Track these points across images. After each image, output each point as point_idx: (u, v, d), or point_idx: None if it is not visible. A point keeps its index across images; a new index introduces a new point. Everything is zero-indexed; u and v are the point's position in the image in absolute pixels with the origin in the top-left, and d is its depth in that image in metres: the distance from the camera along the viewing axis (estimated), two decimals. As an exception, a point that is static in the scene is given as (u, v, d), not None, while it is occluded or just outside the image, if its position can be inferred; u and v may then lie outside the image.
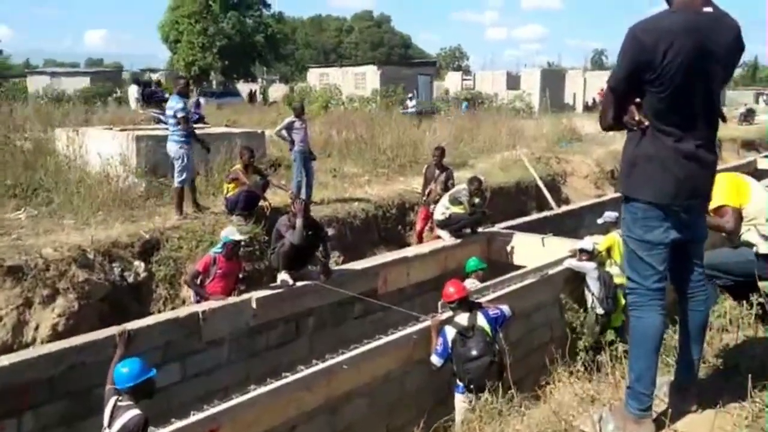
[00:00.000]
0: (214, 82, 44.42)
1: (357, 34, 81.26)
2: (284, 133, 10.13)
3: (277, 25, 43.34)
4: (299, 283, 7.51)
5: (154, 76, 49.33)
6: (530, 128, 20.33)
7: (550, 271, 8.42)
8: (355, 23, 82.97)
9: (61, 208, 8.69)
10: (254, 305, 7.02)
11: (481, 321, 6.10)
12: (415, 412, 6.52)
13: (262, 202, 8.75)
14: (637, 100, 2.75)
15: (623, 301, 7.62)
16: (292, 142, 10.03)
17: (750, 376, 2.84)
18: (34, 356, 5.50)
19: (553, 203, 13.62)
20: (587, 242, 8.65)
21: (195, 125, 10.08)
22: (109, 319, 6.89)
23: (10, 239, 7.39)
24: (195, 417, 4.86)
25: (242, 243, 7.25)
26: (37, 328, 6.68)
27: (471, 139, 17.87)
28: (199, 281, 6.95)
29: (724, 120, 2.93)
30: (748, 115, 30.00)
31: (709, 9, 2.66)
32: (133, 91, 18.71)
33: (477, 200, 10.24)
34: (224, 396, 5.51)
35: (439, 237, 10.01)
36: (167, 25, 39.59)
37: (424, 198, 10.36)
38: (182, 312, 6.62)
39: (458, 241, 9.84)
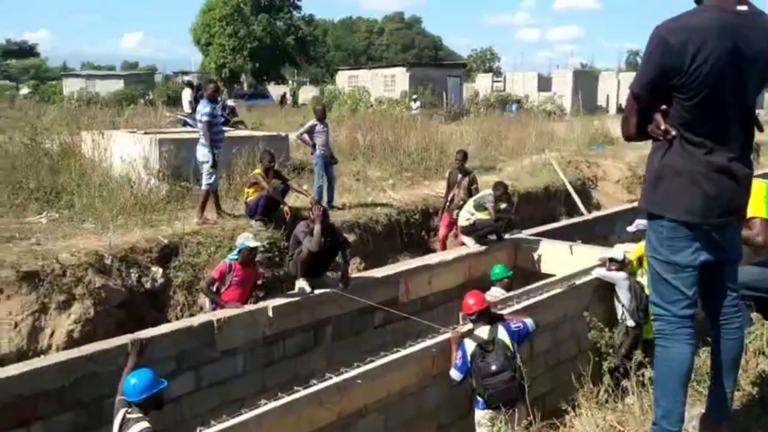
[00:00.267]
0: (245, 84, 44.76)
1: (387, 36, 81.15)
2: (306, 136, 9.99)
3: (307, 28, 43.52)
4: (317, 291, 7.34)
5: (186, 78, 50.17)
6: (561, 131, 19.91)
7: (578, 281, 8.10)
8: (386, 25, 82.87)
9: (82, 212, 8.66)
10: (271, 314, 6.87)
11: (502, 334, 5.85)
12: (433, 429, 6.32)
13: (282, 207, 8.59)
14: (663, 107, 2.49)
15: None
16: (314, 146, 9.89)
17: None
18: (43, 366, 5.40)
19: (583, 209, 13.25)
20: (617, 251, 8.32)
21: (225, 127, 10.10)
22: (126, 325, 6.82)
23: (29, 244, 7.36)
24: (202, 433, 4.70)
25: (259, 250, 7.09)
26: (52, 334, 6.62)
27: (499, 143, 17.55)
28: (214, 289, 6.82)
29: (761, 129, 2.66)
30: (789, 118, 29.10)
31: (743, 7, 2.40)
32: (187, 94, 18.78)
33: (503, 206, 9.97)
34: (240, 407, 5.37)
35: (463, 244, 9.77)
36: (199, 28, 40.01)
37: (447, 203, 10.11)
38: (196, 320, 6.49)
39: (483, 248, 9.58)
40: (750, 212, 3.61)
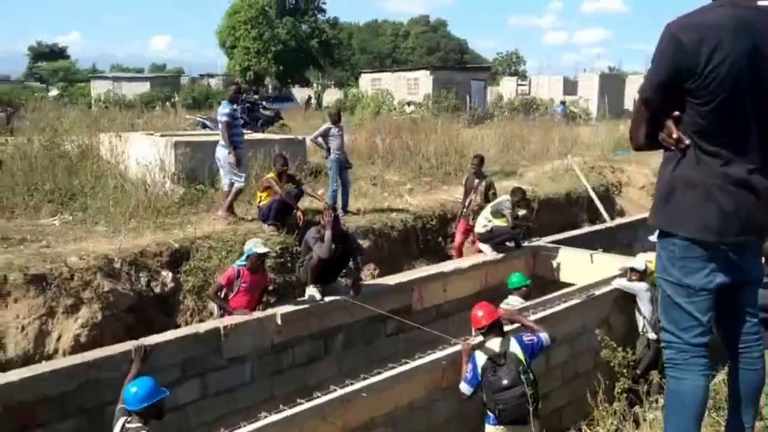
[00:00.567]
0: (270, 87, 44.90)
1: (413, 39, 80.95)
2: (320, 140, 9.86)
3: (331, 31, 43.50)
4: (328, 299, 7.20)
5: (212, 81, 50.53)
6: (585, 135, 19.54)
7: (597, 292, 7.86)
8: (411, 28, 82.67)
9: (95, 215, 8.63)
10: (279, 321, 6.74)
11: (515, 347, 5.64)
12: (442, 444, 6.13)
13: (296, 212, 8.46)
14: (676, 113, 2.27)
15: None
16: (329, 150, 9.75)
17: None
18: (45, 371, 5.32)
19: (606, 216, 12.94)
20: (639, 261, 8.05)
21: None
22: (134, 330, 6.73)
23: (39, 246, 7.33)
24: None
25: (269, 255, 6.96)
26: (59, 338, 6.56)
27: (522, 147, 17.26)
28: (222, 295, 6.71)
29: None
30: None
31: (764, 3, 2.16)
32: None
33: (522, 212, 9.74)
34: (247, 416, 5.26)
35: (480, 251, 9.56)
36: (224, 31, 40.25)
37: (464, 209, 9.90)
38: (203, 327, 6.38)
39: (500, 255, 9.36)
40: None
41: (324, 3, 43.66)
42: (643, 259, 8.04)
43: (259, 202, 8.51)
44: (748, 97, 2.17)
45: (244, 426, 4.72)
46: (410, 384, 5.66)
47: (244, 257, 6.77)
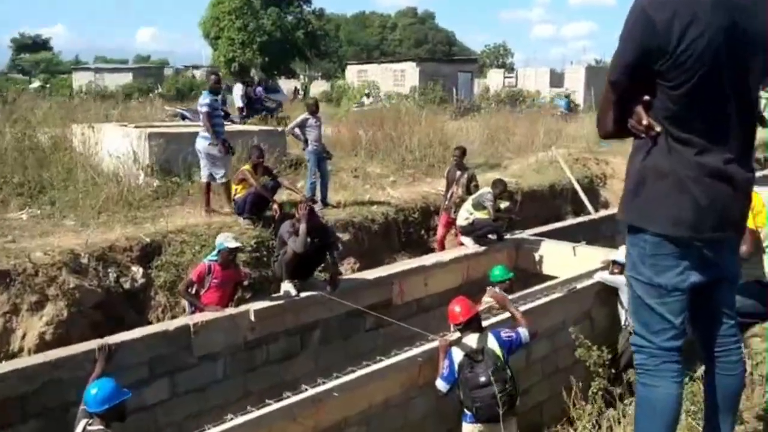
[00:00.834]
0: (255, 79, 44.43)
1: (400, 31, 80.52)
2: (297, 131, 9.63)
3: (317, 22, 43.04)
4: (304, 294, 7.01)
5: (197, 72, 49.95)
6: (571, 127, 19.40)
7: (579, 285, 7.72)
8: (399, 20, 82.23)
9: (63, 209, 8.38)
10: (253, 317, 6.54)
11: (492, 344, 5.47)
12: (419, 443, 5.97)
13: (272, 205, 8.25)
14: (646, 97, 2.07)
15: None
16: (306, 141, 9.52)
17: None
18: (5, 371, 5.11)
19: (590, 207, 12.80)
20: (621, 253, 7.89)
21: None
22: (102, 327, 6.53)
23: (4, 241, 7.08)
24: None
25: (243, 250, 6.75)
26: (24, 336, 6.34)
27: (507, 139, 17.10)
28: (193, 291, 6.51)
29: (764, 124, 2.23)
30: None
31: None
32: (238, 90, 18.59)
33: (504, 204, 9.59)
34: (219, 414, 5.08)
35: (462, 244, 9.40)
36: (208, 22, 39.68)
37: (446, 202, 9.73)
38: (172, 324, 6.18)
39: (482, 248, 9.20)
40: None
41: (310, -7, 43.19)
42: (625, 252, 7.91)
43: (235, 194, 8.29)
44: (726, 79, 1.97)
45: (211, 428, 4.53)
46: (385, 382, 5.49)
47: (215, 252, 6.56)
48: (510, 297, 7.45)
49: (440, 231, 9.88)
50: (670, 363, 2.14)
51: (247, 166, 8.25)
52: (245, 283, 7.54)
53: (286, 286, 6.91)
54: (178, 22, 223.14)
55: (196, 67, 53.42)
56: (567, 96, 31.87)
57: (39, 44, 66.19)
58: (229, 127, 12.09)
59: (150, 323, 6.98)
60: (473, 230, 9.15)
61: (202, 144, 8.73)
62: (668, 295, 2.12)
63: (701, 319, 2.23)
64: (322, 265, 7.50)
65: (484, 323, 6.50)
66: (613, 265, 7.79)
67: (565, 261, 9.28)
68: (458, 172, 9.71)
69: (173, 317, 7.20)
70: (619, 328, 7.64)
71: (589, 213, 12.47)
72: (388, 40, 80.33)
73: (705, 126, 2.03)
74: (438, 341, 5.79)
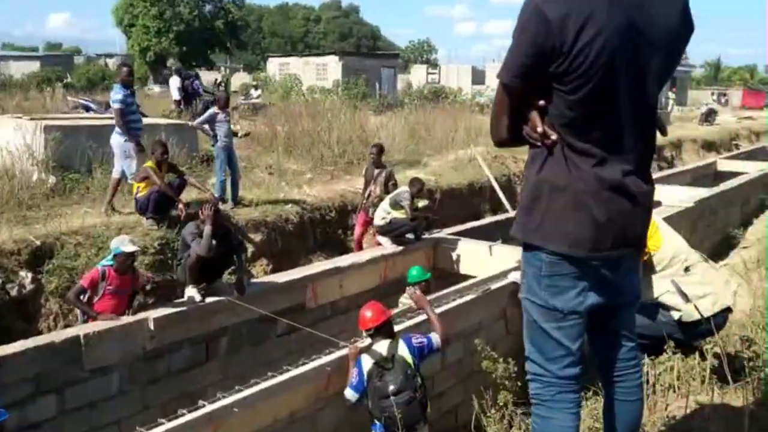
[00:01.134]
0: (172, 70, 42.87)
1: (325, 24, 79.87)
2: (206, 126, 9.17)
3: (237, 12, 41.93)
4: (209, 299, 6.63)
5: (110, 61, 47.75)
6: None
7: (494, 286, 7.66)
8: (323, 13, 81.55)
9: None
10: (152, 326, 6.12)
11: (403, 350, 5.29)
12: (330, 455, 5.73)
13: (177, 204, 7.80)
14: (541, 102, 1.90)
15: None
16: (215, 137, 9.07)
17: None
18: None
19: (508, 206, 12.89)
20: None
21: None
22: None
23: None
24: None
25: (136, 255, 6.30)
26: None
27: (427, 135, 17.06)
28: (86, 298, 6.02)
29: (664, 132, 2.10)
30: (710, 116, 29.65)
31: None
32: (175, 82, 18.14)
33: (423, 203, 9.48)
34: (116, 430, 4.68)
35: (379, 244, 9.22)
36: (121, 8, 37.98)
37: (363, 201, 9.52)
38: (59, 336, 5.67)
39: (400, 248, 9.05)
40: None
41: (230, -17, 42.04)
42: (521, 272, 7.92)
43: (137, 193, 7.78)
44: (624, 85, 1.83)
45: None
46: (291, 394, 5.20)
47: (110, 256, 6.10)
48: (427, 298, 7.34)
49: (358, 230, 9.66)
50: (566, 393, 1.98)
51: (150, 163, 7.76)
52: (148, 288, 7.10)
53: (190, 292, 6.52)
54: (92, 7, 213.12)
55: (109, 56, 51.16)
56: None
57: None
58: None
59: (40, 333, 6.45)
60: (391, 230, 8.99)
61: (116, 140, 8.35)
62: (565, 319, 1.97)
63: (599, 342, 2.09)
64: (232, 267, 7.16)
65: (401, 326, 6.36)
66: (528, 265, 7.80)
67: (482, 260, 9.26)
68: (376, 171, 9.51)
69: (67, 326, 6.70)
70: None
71: (506, 211, 12.57)
72: (313, 33, 79.53)
73: (602, 135, 1.88)
74: (348, 348, 5.57)
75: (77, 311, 6.72)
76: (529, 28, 1.81)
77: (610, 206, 1.89)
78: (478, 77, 40.49)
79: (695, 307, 3.45)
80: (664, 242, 3.40)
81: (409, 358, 5.26)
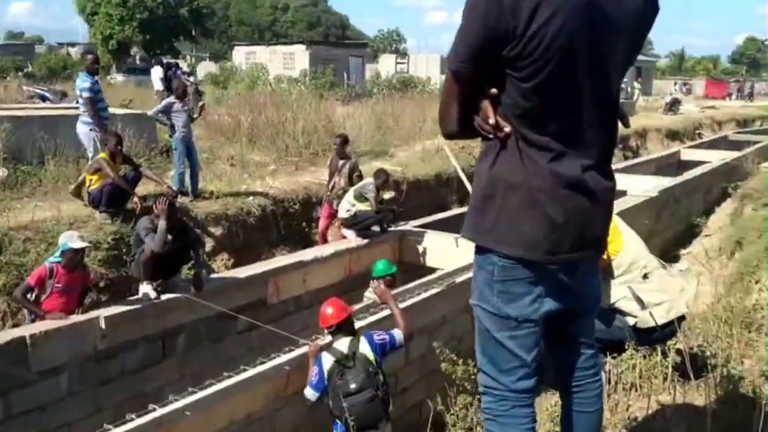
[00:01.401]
0: (137, 58, 41.93)
1: (293, 13, 78.92)
2: (162, 116, 8.88)
3: None
4: (165, 296, 6.41)
5: (73, 50, 46.50)
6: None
7: (458, 279, 7.57)
8: (291, 1, 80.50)
9: None
10: (103, 324, 5.89)
11: (364, 348, 5.15)
12: (290, 457, 5.58)
13: (132, 197, 7.52)
14: (493, 90, 1.73)
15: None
16: (173, 127, 8.77)
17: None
18: None
19: (475, 196, 12.84)
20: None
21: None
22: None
23: None
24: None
25: (85, 251, 6.04)
26: None
27: (395, 125, 16.88)
28: (33, 297, 5.76)
29: (626, 124, 1.95)
30: (674, 105, 30.00)
31: None
32: (158, 72, 17.87)
33: (389, 195, 9.34)
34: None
35: (344, 237, 9.05)
36: (83, -5, 37.00)
37: (328, 192, 9.34)
38: (3, 336, 5.41)
39: (365, 241, 8.90)
40: None
41: (195, -31, 41.19)
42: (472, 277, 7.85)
43: (89, 186, 7.48)
44: (583, 72, 1.66)
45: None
46: (248, 394, 5.03)
47: (58, 252, 5.83)
48: (392, 292, 7.20)
49: (322, 223, 9.47)
50: (520, 407, 1.84)
51: (103, 155, 7.45)
52: (101, 284, 6.85)
53: (145, 288, 6.28)
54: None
55: (71, 45, 49.87)
56: None
57: None
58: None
59: (-14, 333, 6.15)
60: (355, 222, 8.83)
61: (81, 129, 8.18)
62: (519, 328, 1.82)
63: (556, 350, 1.95)
64: (191, 263, 6.93)
65: (364, 322, 6.23)
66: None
67: (449, 253, 9.15)
68: (340, 162, 9.33)
69: (15, 325, 6.38)
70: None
71: (473, 202, 12.48)
72: (281, 22, 78.54)
73: (561, 126, 1.72)
74: (308, 346, 5.41)
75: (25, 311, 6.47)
76: (478, 8, 1.65)
77: (568, 205, 1.74)
78: (446, 66, 40.38)
79: (651, 314, 3.40)
80: (625, 247, 3.33)
81: (370, 356, 5.13)
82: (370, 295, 7.43)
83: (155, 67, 18.67)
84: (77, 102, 8.54)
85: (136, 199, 7.43)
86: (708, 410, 2.72)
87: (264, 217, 9.35)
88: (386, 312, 6.23)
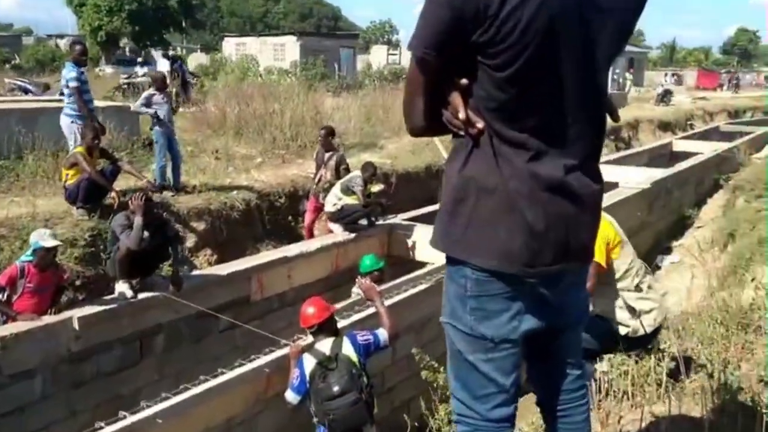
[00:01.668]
0: (126, 50, 41.44)
1: (284, 4, 78.35)
2: (143, 109, 8.63)
3: (192, -10, 40.68)
4: (142, 295, 6.20)
5: (62, 42, 45.96)
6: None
7: (447, 275, 7.39)
8: (283, -8, 79.96)
9: None
10: (76, 325, 5.67)
11: (347, 349, 4.95)
12: (270, 462, 5.40)
13: (110, 193, 7.30)
14: (464, 81, 1.51)
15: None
16: (156, 117, 8.53)
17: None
18: None
19: (465, 189, 12.65)
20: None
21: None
22: None
23: None
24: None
25: (57, 250, 5.82)
26: None
27: (386, 117, 16.63)
28: (5, 297, 5.54)
29: (616, 119, 1.72)
30: (665, 96, 29.84)
31: None
32: (164, 65, 18.11)
33: (377, 188, 9.15)
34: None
35: (331, 231, 8.85)
36: (71, -14, 36.48)
37: (314, 186, 9.12)
38: (-29, 340, 5.19)
39: (352, 235, 8.70)
40: None
41: (184, -40, 40.65)
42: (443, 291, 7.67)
43: (66, 181, 7.24)
44: (565, 59, 1.45)
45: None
46: (226, 397, 4.84)
47: (30, 251, 5.61)
48: (380, 288, 7.02)
49: (308, 217, 9.26)
50: (498, 437, 1.64)
51: (79, 149, 7.22)
52: (78, 283, 6.63)
53: (121, 287, 6.07)
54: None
55: (60, 37, 49.31)
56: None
57: None
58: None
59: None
60: (342, 216, 8.63)
61: (64, 121, 8.00)
62: (495, 349, 1.61)
63: (538, 371, 1.75)
64: (170, 260, 6.72)
65: (348, 320, 6.05)
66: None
67: (437, 247, 8.98)
68: (327, 154, 9.11)
69: (-12, 326, 6.17)
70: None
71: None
72: (272, 13, 77.98)
73: (541, 122, 1.50)
74: (289, 347, 5.21)
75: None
76: None
77: (549, 210, 1.53)
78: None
79: (641, 323, 3.28)
80: (622, 253, 3.17)
81: (354, 357, 4.93)
82: (357, 291, 7.24)
83: (161, 60, 18.66)
84: (61, 93, 8.32)
85: (113, 194, 7.20)
86: (705, 421, 2.55)
87: (248, 211, 9.13)
88: (370, 310, 6.04)
